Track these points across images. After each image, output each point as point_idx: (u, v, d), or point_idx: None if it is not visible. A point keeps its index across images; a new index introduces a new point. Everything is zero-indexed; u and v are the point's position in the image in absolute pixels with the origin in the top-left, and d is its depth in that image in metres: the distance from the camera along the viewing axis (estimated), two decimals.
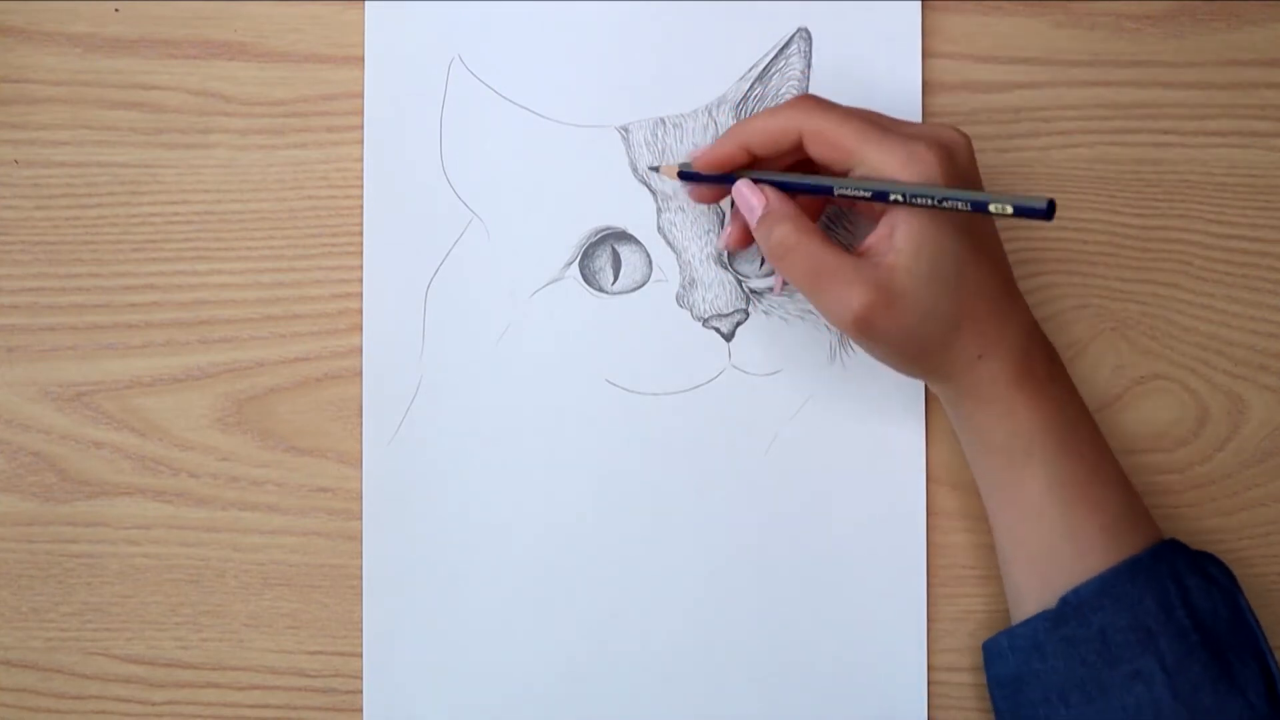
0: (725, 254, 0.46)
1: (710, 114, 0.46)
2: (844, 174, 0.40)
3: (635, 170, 0.46)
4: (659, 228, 0.46)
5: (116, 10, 0.46)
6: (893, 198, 0.37)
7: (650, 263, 0.46)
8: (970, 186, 0.40)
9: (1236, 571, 0.41)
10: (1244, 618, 0.40)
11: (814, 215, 0.44)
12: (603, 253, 0.46)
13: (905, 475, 0.46)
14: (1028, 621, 0.41)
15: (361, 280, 0.46)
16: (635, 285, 0.46)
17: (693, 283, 0.46)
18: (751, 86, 0.46)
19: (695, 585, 0.46)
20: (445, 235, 0.46)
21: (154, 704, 0.46)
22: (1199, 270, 0.47)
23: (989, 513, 0.43)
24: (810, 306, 0.45)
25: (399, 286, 0.46)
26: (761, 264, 0.46)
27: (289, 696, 0.46)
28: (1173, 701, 0.38)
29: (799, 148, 0.40)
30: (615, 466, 0.46)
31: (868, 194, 0.38)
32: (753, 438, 0.46)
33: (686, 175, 0.44)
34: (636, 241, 0.46)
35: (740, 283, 0.46)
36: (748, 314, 0.46)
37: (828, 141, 0.39)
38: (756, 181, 0.41)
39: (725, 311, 0.46)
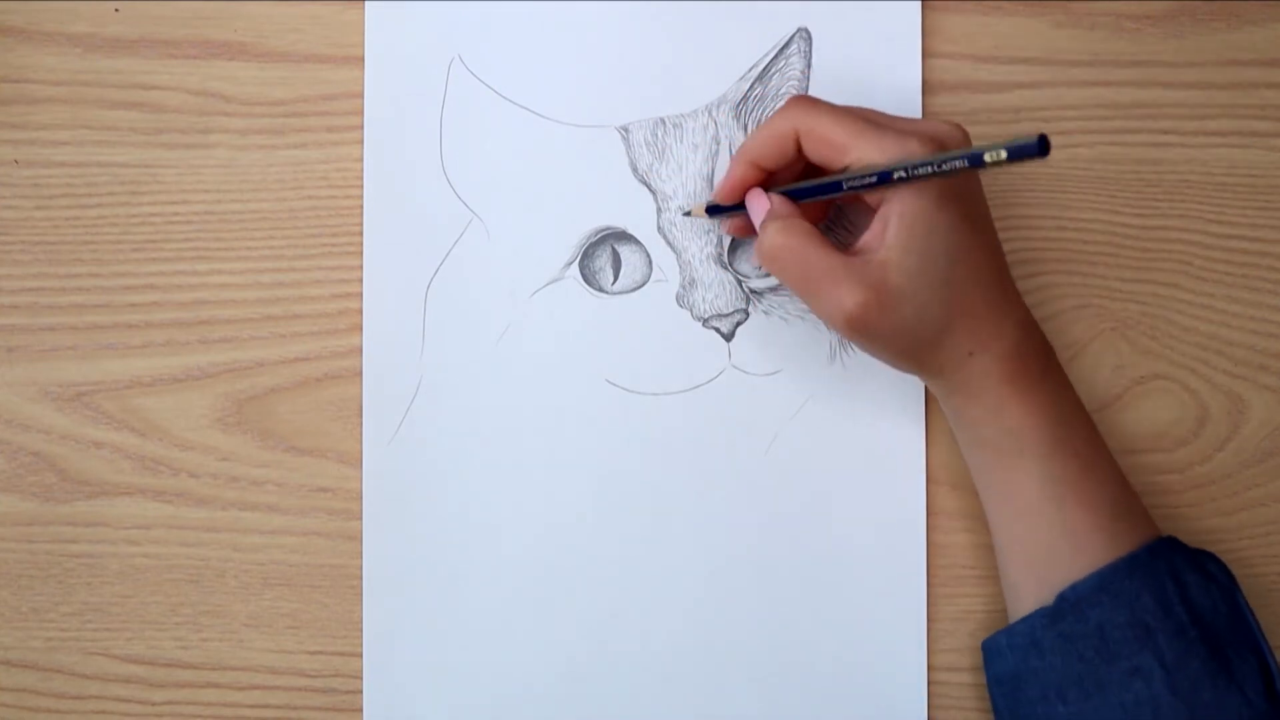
0: (725, 254, 0.46)
1: (710, 114, 0.46)
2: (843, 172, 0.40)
3: (635, 170, 0.46)
4: (659, 228, 0.46)
5: (116, 10, 0.46)
6: (896, 175, 0.37)
7: (650, 263, 0.46)
8: (967, 178, 0.40)
9: (1236, 572, 0.41)
10: (1242, 614, 0.40)
11: (816, 223, 0.44)
12: (603, 253, 0.46)
13: (905, 475, 0.46)
14: (1025, 619, 0.41)
15: (361, 280, 0.46)
16: (635, 285, 0.46)
17: (693, 283, 0.46)
18: (751, 86, 0.46)
19: (695, 585, 0.46)
20: (445, 235, 0.46)
21: (154, 704, 0.46)
22: (1199, 270, 0.47)
23: (986, 510, 0.43)
24: (814, 314, 0.45)
25: (399, 286, 0.46)
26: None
27: (289, 696, 0.46)
28: (1171, 698, 0.38)
29: (803, 151, 0.41)
30: (615, 466, 0.46)
31: (873, 179, 0.38)
32: (753, 438, 0.46)
33: (714, 210, 0.44)
34: (636, 241, 0.46)
35: (740, 283, 0.46)
36: (748, 314, 0.46)
37: (822, 139, 0.39)
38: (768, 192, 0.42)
39: (725, 311, 0.46)
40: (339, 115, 0.46)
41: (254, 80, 0.46)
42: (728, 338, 0.46)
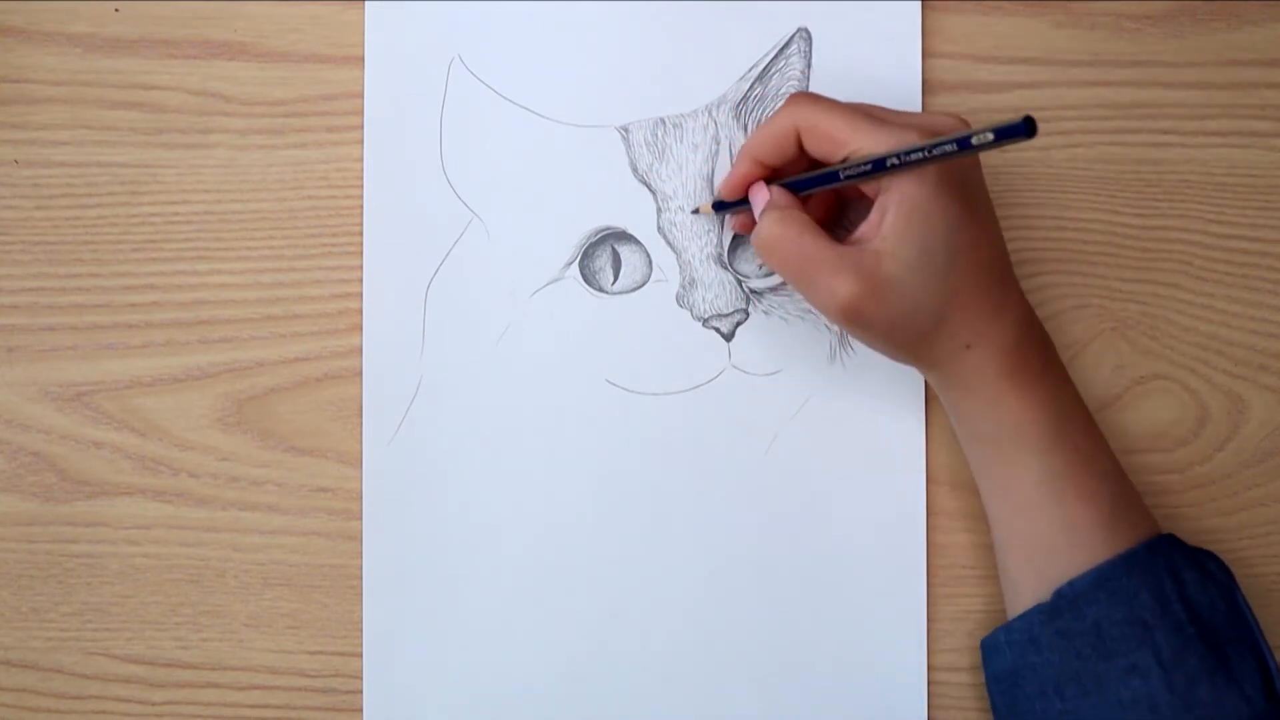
0: (725, 254, 0.46)
1: (710, 114, 0.46)
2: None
3: (635, 170, 0.46)
4: (659, 228, 0.46)
5: (116, 10, 0.46)
6: (890, 162, 0.38)
7: (650, 263, 0.46)
8: (967, 171, 0.40)
9: (1236, 571, 0.41)
10: (1241, 612, 0.40)
11: (819, 220, 0.44)
12: (603, 253, 0.46)
13: (905, 475, 0.46)
14: (1023, 616, 0.41)
15: (361, 280, 0.46)
16: (635, 285, 0.46)
17: (693, 283, 0.46)
18: (751, 86, 0.46)
19: (695, 585, 0.46)
20: (445, 235, 0.46)
21: (154, 704, 0.46)
22: (1199, 270, 0.47)
23: (985, 504, 0.43)
24: (810, 305, 0.45)
25: (399, 286, 0.46)
26: (762, 264, 0.46)
27: (289, 696, 0.46)
28: (1169, 695, 0.38)
29: (805, 148, 0.41)
30: (615, 466, 0.46)
31: (868, 167, 0.38)
32: (753, 438, 0.46)
33: (720, 206, 0.44)
34: (636, 241, 0.46)
35: (740, 283, 0.46)
36: (748, 314, 0.46)
37: (823, 134, 0.39)
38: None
39: (725, 311, 0.46)
40: (339, 115, 0.46)
41: (254, 80, 0.46)
42: (728, 338, 0.46)
